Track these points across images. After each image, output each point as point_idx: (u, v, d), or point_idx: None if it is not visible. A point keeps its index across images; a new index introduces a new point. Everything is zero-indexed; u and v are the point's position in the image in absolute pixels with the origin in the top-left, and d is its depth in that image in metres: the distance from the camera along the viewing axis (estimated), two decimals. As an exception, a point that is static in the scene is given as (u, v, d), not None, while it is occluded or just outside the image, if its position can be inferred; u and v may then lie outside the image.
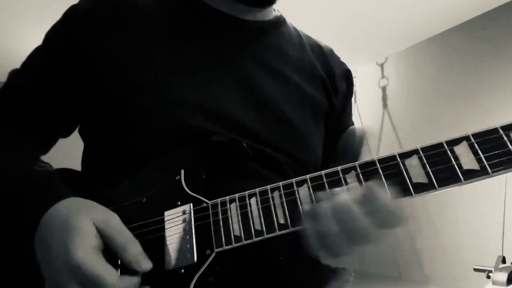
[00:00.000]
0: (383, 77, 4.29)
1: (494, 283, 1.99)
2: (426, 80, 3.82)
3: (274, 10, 0.75)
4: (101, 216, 0.48)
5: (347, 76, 0.78)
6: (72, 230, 0.45)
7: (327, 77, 0.73)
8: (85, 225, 0.46)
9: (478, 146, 0.42)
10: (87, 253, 0.44)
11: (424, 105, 3.76)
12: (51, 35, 0.64)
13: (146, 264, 0.47)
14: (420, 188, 0.43)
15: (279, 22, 0.73)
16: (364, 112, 4.38)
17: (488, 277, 2.08)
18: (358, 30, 3.54)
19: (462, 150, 0.42)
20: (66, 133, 0.69)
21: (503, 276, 1.97)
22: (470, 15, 3.38)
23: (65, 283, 0.44)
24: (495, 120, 0.45)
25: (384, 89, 4.26)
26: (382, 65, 4.30)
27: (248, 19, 0.67)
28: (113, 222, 0.48)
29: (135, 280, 0.46)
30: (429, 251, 3.69)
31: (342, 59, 0.81)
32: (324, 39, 0.79)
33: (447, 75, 3.60)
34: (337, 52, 0.81)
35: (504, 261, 2.14)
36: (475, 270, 2.23)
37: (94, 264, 0.44)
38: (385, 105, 4.24)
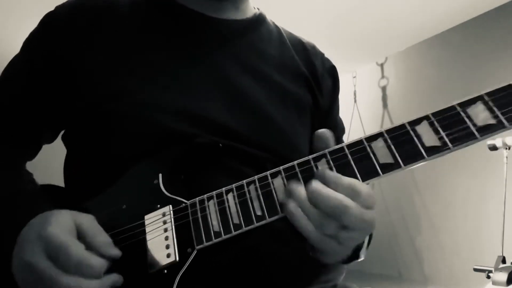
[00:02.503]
0: (383, 77, 4.29)
1: (494, 283, 1.99)
2: (426, 80, 3.82)
3: (254, 8, 0.75)
4: (79, 214, 0.50)
5: (332, 72, 0.77)
6: (51, 217, 0.48)
7: (310, 73, 0.72)
8: (64, 215, 0.49)
9: (438, 124, 0.45)
10: (60, 229, 0.46)
11: (424, 105, 3.75)
12: (28, 44, 0.65)
13: (114, 251, 0.48)
14: (388, 168, 0.45)
15: (259, 20, 0.72)
16: (364, 112, 4.38)
17: (488, 277, 2.08)
18: (358, 30, 3.54)
19: (423, 129, 0.45)
20: (50, 139, 0.70)
21: (503, 276, 1.97)
22: (470, 15, 3.38)
23: (34, 255, 0.45)
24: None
25: (384, 89, 4.27)
26: (382, 65, 4.30)
27: (225, 18, 0.66)
28: (88, 217, 0.51)
29: (100, 259, 0.46)
30: (429, 251, 3.69)
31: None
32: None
33: (447, 75, 3.60)
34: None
35: (504, 261, 2.14)
36: (475, 270, 2.23)
37: (64, 236, 0.45)
38: (385, 105, 4.24)
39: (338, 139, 0.80)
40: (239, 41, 0.67)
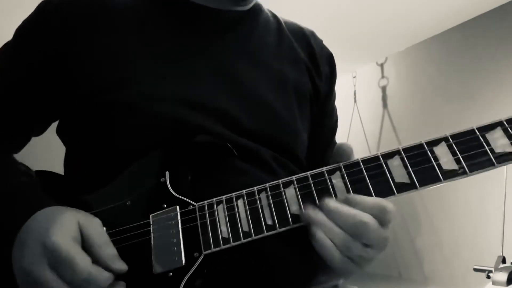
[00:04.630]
0: (383, 77, 4.29)
1: (494, 283, 1.99)
2: (426, 80, 3.82)
3: None
4: (85, 216, 0.49)
5: (330, 60, 0.77)
6: (55, 220, 0.46)
7: (309, 59, 0.72)
8: (68, 219, 0.47)
9: (456, 147, 0.44)
10: (64, 238, 0.45)
11: (424, 105, 3.75)
12: (22, 31, 0.63)
13: (120, 265, 0.47)
14: (402, 187, 0.45)
15: (256, 10, 0.72)
16: (364, 112, 4.37)
17: (488, 277, 2.08)
18: (358, 30, 3.54)
19: (442, 151, 0.45)
20: (39, 131, 0.68)
21: (503, 276, 1.97)
22: (470, 15, 3.38)
23: (36, 264, 0.44)
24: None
25: (384, 89, 4.26)
26: (382, 65, 4.30)
27: (225, 9, 0.66)
28: (95, 223, 0.49)
29: (106, 274, 0.46)
30: (429, 251, 3.69)
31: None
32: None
33: (447, 75, 3.60)
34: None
35: (504, 261, 2.14)
36: (475, 270, 2.23)
37: (69, 247, 0.44)
38: (385, 105, 4.24)
39: (334, 129, 0.80)
40: (237, 30, 0.67)
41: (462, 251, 3.34)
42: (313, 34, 0.78)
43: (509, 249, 2.24)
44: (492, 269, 2.09)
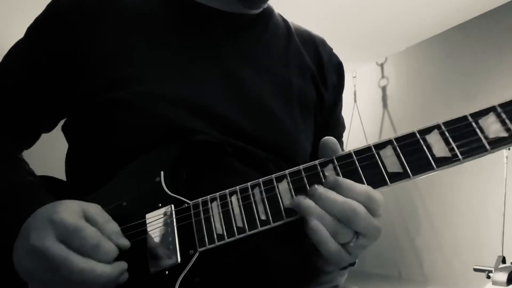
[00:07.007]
0: (383, 77, 4.29)
1: (494, 283, 1.99)
2: (426, 80, 3.82)
3: None
4: (86, 202, 0.50)
5: (339, 69, 0.77)
6: (58, 205, 0.47)
7: (316, 67, 0.72)
8: (71, 202, 0.48)
9: (449, 134, 0.44)
10: (70, 214, 0.46)
11: (424, 105, 3.75)
12: (33, 29, 0.64)
13: (124, 241, 0.48)
14: (396, 177, 0.45)
15: (266, 14, 0.72)
16: (364, 112, 4.38)
17: (488, 277, 2.08)
18: (358, 30, 3.54)
19: (434, 139, 0.44)
20: (49, 127, 0.69)
21: (503, 276, 1.97)
22: (470, 15, 3.38)
23: (43, 238, 0.44)
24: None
25: (384, 89, 4.26)
26: (382, 65, 4.30)
27: (233, 11, 0.66)
28: (96, 206, 0.50)
29: (113, 246, 0.46)
30: (429, 251, 3.69)
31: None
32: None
33: (447, 75, 3.60)
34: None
35: (504, 261, 2.14)
36: (475, 270, 2.23)
37: (77, 219, 0.45)
38: (385, 105, 4.24)
39: (340, 136, 0.79)
40: (246, 34, 0.67)
41: (462, 251, 3.34)
42: (323, 42, 0.77)
43: (509, 249, 2.25)
44: (492, 269, 2.09)
